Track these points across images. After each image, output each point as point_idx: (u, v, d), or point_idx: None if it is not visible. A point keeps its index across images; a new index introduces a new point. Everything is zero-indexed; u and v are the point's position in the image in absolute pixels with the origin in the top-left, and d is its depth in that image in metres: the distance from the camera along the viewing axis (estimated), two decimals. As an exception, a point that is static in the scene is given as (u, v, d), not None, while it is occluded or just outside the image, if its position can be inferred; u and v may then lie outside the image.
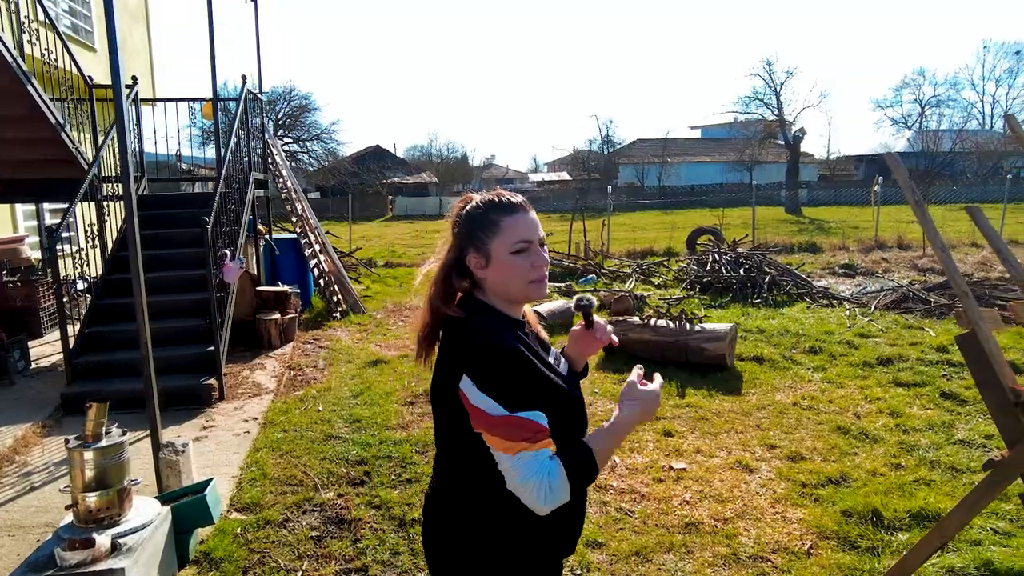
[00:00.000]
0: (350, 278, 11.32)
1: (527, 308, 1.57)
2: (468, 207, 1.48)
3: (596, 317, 1.64)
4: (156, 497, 3.23)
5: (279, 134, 43.06)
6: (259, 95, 8.57)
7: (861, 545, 3.15)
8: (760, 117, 35.35)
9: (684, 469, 4.06)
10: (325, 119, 76.88)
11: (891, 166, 2.64)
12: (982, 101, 54.37)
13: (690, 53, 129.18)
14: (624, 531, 3.36)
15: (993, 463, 2.42)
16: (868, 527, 3.28)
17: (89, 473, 2.65)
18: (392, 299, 10.52)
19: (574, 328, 1.67)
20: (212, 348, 5.74)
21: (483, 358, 1.32)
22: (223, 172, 6.29)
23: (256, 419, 5.28)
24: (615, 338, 1.67)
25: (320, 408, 5.39)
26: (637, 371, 1.50)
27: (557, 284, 11.03)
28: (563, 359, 1.64)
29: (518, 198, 1.47)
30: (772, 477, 3.94)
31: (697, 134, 56.11)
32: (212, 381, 5.69)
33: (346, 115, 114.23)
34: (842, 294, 9.75)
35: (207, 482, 3.37)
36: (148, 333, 3.67)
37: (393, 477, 4.11)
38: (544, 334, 1.61)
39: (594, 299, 1.65)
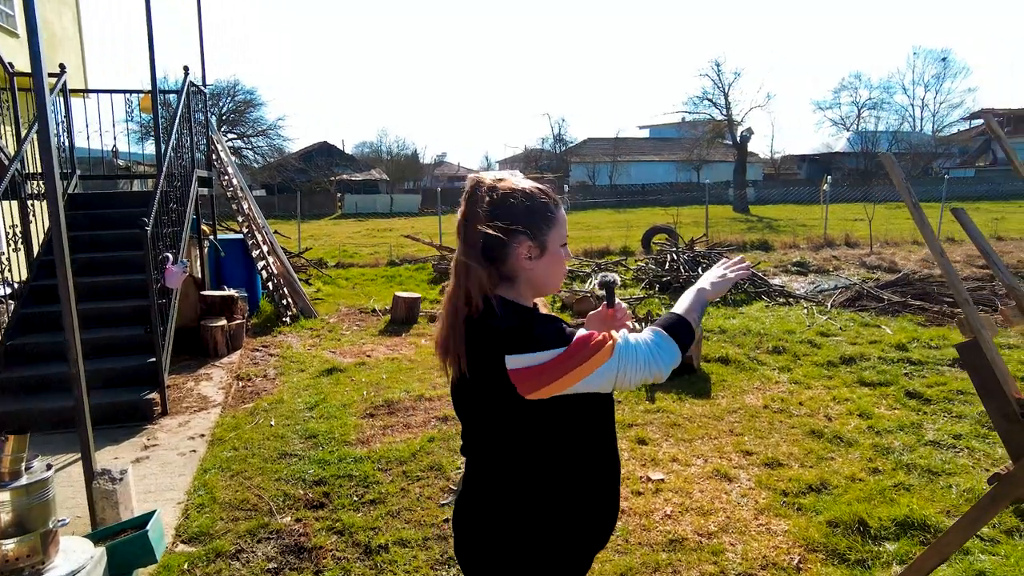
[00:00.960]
0: (300, 280, 10.87)
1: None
2: (521, 195, 1.41)
3: (617, 298, 1.64)
4: (89, 535, 2.88)
5: (223, 130, 41.58)
6: (202, 88, 8.08)
7: (850, 557, 3.05)
8: (708, 117, 35.97)
9: (662, 480, 3.92)
10: (271, 115, 74.98)
11: (887, 168, 2.53)
12: (913, 105, 56.87)
13: (639, 53, 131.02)
14: (607, 551, 3.18)
15: (998, 477, 2.34)
16: (855, 538, 3.19)
17: (6, 517, 2.30)
18: (345, 302, 10.13)
19: (593, 312, 1.67)
20: (153, 359, 5.33)
21: (520, 330, 1.33)
22: (164, 169, 5.85)
23: (203, 436, 4.91)
24: (630, 322, 1.66)
25: (272, 422, 5.05)
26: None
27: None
28: None
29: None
30: (752, 486, 3.83)
31: (646, 134, 56.86)
32: (154, 395, 5.28)
33: (293, 111, 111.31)
34: (798, 292, 9.87)
35: (150, 515, 3.04)
36: (79, 345, 3.30)
37: (355, 498, 3.84)
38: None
39: (618, 278, 1.60)
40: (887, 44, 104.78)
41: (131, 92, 7.36)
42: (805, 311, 8.40)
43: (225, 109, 41.07)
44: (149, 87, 6.65)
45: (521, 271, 1.41)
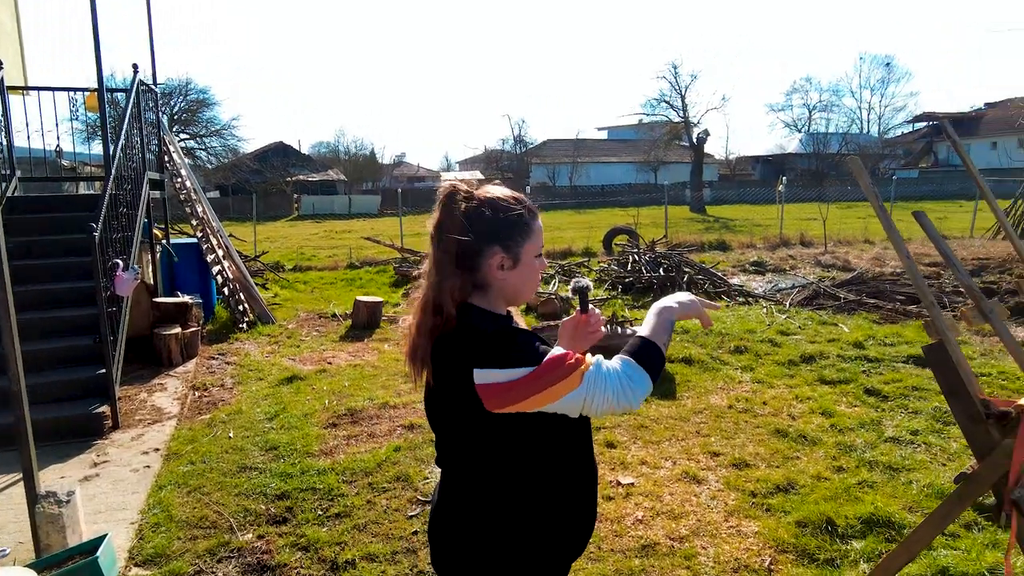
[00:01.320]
0: (257, 284, 10.59)
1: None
2: (497, 205, 1.39)
3: (592, 305, 1.61)
4: (33, 564, 2.71)
5: (175, 130, 40.38)
6: (153, 87, 7.78)
7: (820, 557, 3.08)
8: (666, 119, 36.49)
9: (632, 484, 3.90)
10: (225, 114, 73.20)
11: (855, 172, 2.55)
12: (860, 108, 58.81)
13: (599, 55, 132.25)
14: (580, 560, 3.14)
15: (964, 476, 2.38)
16: (824, 537, 3.22)
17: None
18: (304, 307, 9.90)
19: (566, 319, 1.63)
20: (103, 370, 5.09)
21: (490, 343, 1.31)
22: (112, 171, 5.59)
23: (158, 450, 4.70)
24: (603, 331, 1.64)
25: (231, 434, 4.87)
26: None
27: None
28: None
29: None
30: (721, 488, 3.85)
31: (604, 135, 57.42)
32: (104, 408, 5.04)
33: (247, 111, 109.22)
34: (756, 292, 10.04)
35: (100, 539, 2.87)
36: (19, 357, 3.11)
37: (320, 512, 3.72)
38: (525, 327, 1.56)
39: (591, 283, 1.57)
40: (836, 49, 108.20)
41: (75, 90, 7.02)
42: (764, 310, 8.55)
43: (177, 108, 39.91)
44: (95, 85, 6.37)
45: (494, 281, 1.41)
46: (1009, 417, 2.27)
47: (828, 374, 5.81)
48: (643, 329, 1.46)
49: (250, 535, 3.54)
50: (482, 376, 1.28)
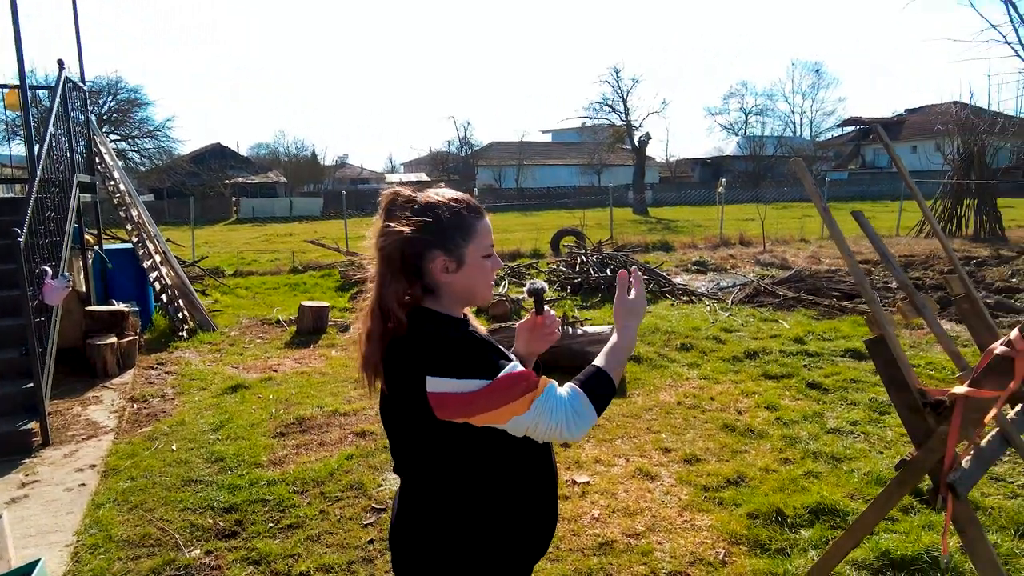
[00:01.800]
0: (196, 291, 10.23)
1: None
2: (436, 208, 1.38)
3: (547, 307, 1.61)
4: (-38, 593, 2.53)
5: (105, 130, 38.59)
6: (81, 85, 7.40)
7: (771, 547, 3.17)
8: (608, 122, 37.06)
9: (588, 483, 3.94)
10: (159, 115, 70.44)
11: (798, 172, 2.64)
12: (793, 112, 61.14)
13: (543, 58, 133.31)
14: (540, 560, 3.15)
15: (904, 463, 2.49)
16: (775, 528, 3.32)
17: None
18: (246, 313, 9.61)
19: (522, 321, 1.62)
20: (31, 384, 4.80)
21: (445, 350, 1.30)
22: (37, 174, 5.29)
23: (94, 467, 4.47)
24: (559, 332, 1.65)
25: (174, 447, 4.68)
26: (622, 279, 1.51)
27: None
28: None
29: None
30: (674, 483, 3.92)
31: (549, 138, 57.93)
32: (33, 424, 4.77)
33: (182, 111, 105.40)
34: (699, 290, 10.30)
35: (33, 564, 2.70)
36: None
37: (271, 524, 3.61)
38: (484, 330, 1.56)
39: (546, 285, 1.59)
40: (770, 54, 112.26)
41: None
42: (708, 308, 8.78)
43: (107, 108, 38.18)
44: (15, 82, 6.03)
45: (441, 284, 1.40)
46: (943, 405, 2.39)
47: (772, 369, 6.01)
48: (602, 359, 1.45)
49: (198, 551, 3.41)
50: (434, 384, 1.28)
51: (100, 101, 36.19)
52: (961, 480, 2.24)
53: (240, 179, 42.98)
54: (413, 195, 1.42)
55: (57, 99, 6.03)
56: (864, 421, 4.70)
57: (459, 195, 1.44)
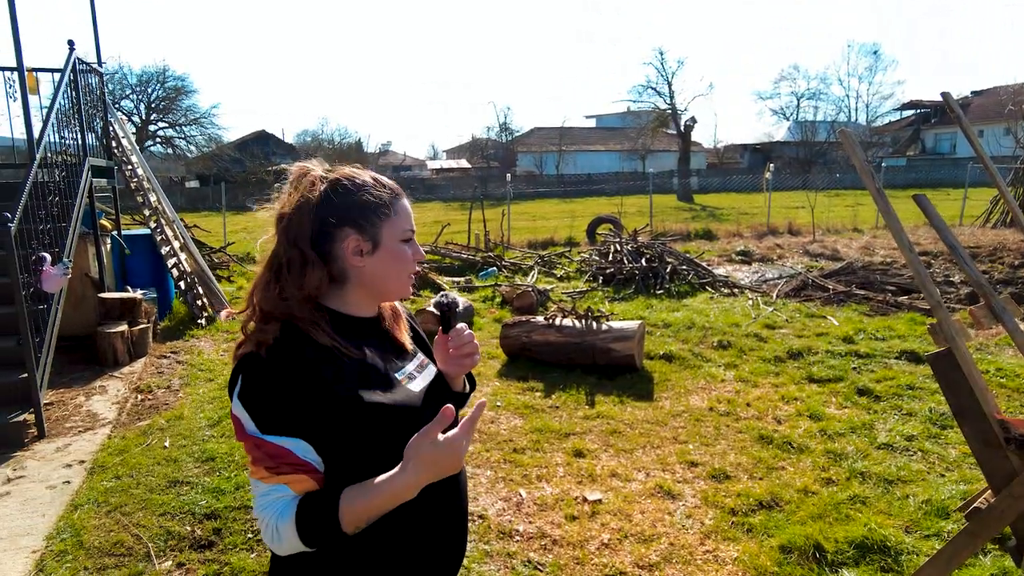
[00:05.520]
0: (221, 277, 10.13)
1: (397, 304, 1.40)
2: (346, 182, 1.24)
3: (462, 324, 1.38)
4: None
5: (153, 118, 39.50)
6: (96, 67, 7.25)
7: (806, 590, 2.71)
8: (653, 106, 36.04)
9: (599, 501, 3.52)
10: (204, 102, 72.01)
11: (846, 147, 2.16)
12: (848, 96, 58.64)
13: (587, 42, 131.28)
14: (535, 594, 2.76)
15: (976, 511, 2.00)
16: (811, 565, 2.85)
17: None
18: (272, 300, 9.42)
19: (437, 338, 1.39)
20: (25, 375, 4.63)
21: (254, 367, 1.15)
22: (37, 157, 5.10)
23: (83, 462, 4.27)
24: (477, 356, 1.37)
25: (167, 443, 4.45)
26: (446, 413, 1.11)
27: (456, 279, 10.34)
28: (431, 371, 1.37)
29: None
30: (698, 504, 3.47)
31: (592, 123, 56.90)
32: (26, 416, 4.59)
33: (228, 99, 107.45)
34: (742, 282, 9.69)
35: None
36: None
37: (250, 535, 3.31)
38: (404, 335, 1.37)
39: (458, 298, 1.42)
40: (824, 37, 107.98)
41: (10, 70, 6.48)
42: (750, 302, 8.19)
43: (155, 96, 39.03)
44: (38, 65, 5.87)
45: (351, 270, 1.25)
46: (1032, 440, 1.90)
47: (817, 372, 5.45)
48: (364, 486, 1.13)
49: (169, 563, 3.14)
50: (235, 391, 1.16)
51: (149, 90, 37.02)
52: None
53: (284, 166, 43.33)
54: (325, 173, 1.27)
55: (64, 80, 5.84)
56: (922, 436, 4.14)
57: (379, 176, 1.31)
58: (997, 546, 2.84)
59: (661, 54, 36.59)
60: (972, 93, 47.68)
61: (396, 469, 1.12)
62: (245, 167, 38.46)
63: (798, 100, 48.01)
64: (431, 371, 1.37)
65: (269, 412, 1.13)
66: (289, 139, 51.21)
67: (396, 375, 1.27)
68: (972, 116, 44.19)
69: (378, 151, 57.41)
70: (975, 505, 2.03)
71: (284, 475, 1.13)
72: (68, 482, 4.00)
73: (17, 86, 5.98)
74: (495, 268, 11.08)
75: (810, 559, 2.89)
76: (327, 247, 1.23)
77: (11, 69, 6.09)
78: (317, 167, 1.29)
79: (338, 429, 1.15)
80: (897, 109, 50.66)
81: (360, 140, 55.28)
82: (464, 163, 51.03)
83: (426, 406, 1.27)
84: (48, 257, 4.99)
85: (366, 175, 1.29)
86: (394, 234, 1.27)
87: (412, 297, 8.50)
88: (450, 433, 1.11)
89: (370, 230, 1.24)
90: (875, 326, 6.68)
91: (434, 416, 1.13)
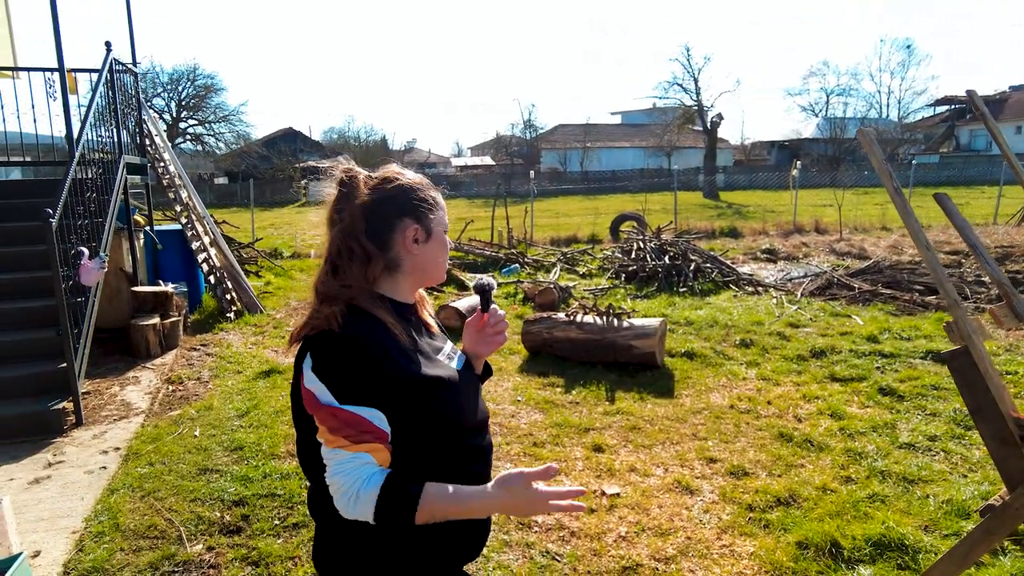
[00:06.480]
0: (249, 272, 10.34)
1: (423, 293, 1.51)
2: (399, 178, 1.37)
3: (496, 305, 1.52)
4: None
5: (183, 115, 40.28)
6: (132, 67, 7.46)
7: (822, 586, 2.73)
8: (679, 103, 35.76)
9: (618, 494, 3.57)
10: (233, 100, 73.11)
11: (865, 146, 2.17)
12: (879, 91, 57.47)
13: (612, 38, 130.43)
14: (552, 584, 2.82)
15: (992, 509, 2.01)
16: (827, 561, 2.87)
17: None
18: (296, 295, 9.61)
19: (470, 319, 1.52)
20: (64, 365, 4.81)
21: (328, 341, 1.23)
22: (76, 155, 5.28)
23: (118, 449, 4.43)
24: (505, 335, 1.52)
25: (197, 432, 4.59)
26: (549, 470, 1.22)
27: (480, 275, 10.41)
28: (461, 356, 1.49)
29: None
30: (716, 499, 3.50)
31: (617, 120, 56.58)
32: (65, 404, 4.77)
33: (256, 96, 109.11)
34: (767, 281, 9.62)
35: (13, 559, 2.58)
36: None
37: (276, 522, 3.42)
38: (431, 321, 1.49)
39: (495, 283, 1.54)
40: (855, 33, 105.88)
41: (52, 71, 6.70)
42: (774, 300, 8.14)
43: (185, 94, 39.80)
44: (71, 65, 6.07)
45: (406, 257, 1.36)
46: (1047, 439, 1.91)
47: (839, 371, 5.42)
48: (451, 489, 1.23)
49: (200, 546, 3.26)
50: (306, 366, 1.24)
51: (179, 88, 37.74)
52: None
53: (311, 162, 44.03)
54: (372, 172, 1.39)
55: (101, 80, 6.03)
56: (945, 436, 4.11)
57: (414, 172, 1.43)
58: (1018, 547, 2.83)
59: (687, 50, 36.29)
60: (1011, 88, 46.44)
61: (483, 488, 1.22)
62: (273, 164, 39.00)
63: (827, 96, 47.24)
64: (461, 354, 1.49)
65: (346, 382, 1.21)
66: (316, 136, 51.79)
67: (438, 356, 1.39)
68: (1010, 112, 43.05)
69: (403, 148, 57.79)
70: (989, 502, 2.04)
71: (366, 443, 1.20)
72: (104, 468, 4.16)
73: (57, 86, 6.19)
74: (517, 265, 11.14)
75: (826, 555, 2.90)
76: (385, 237, 1.33)
77: (52, 70, 6.28)
78: (357, 167, 1.39)
79: (403, 400, 1.24)
80: (930, 105, 49.57)
81: (385, 137, 55.75)
82: (488, 160, 51.15)
83: (462, 383, 1.38)
84: (86, 251, 5.17)
85: (410, 172, 1.41)
86: (441, 223, 1.40)
87: (435, 293, 8.60)
88: (543, 489, 1.21)
89: (424, 220, 1.36)
90: (901, 326, 6.61)
91: (468, 383, 1.38)
